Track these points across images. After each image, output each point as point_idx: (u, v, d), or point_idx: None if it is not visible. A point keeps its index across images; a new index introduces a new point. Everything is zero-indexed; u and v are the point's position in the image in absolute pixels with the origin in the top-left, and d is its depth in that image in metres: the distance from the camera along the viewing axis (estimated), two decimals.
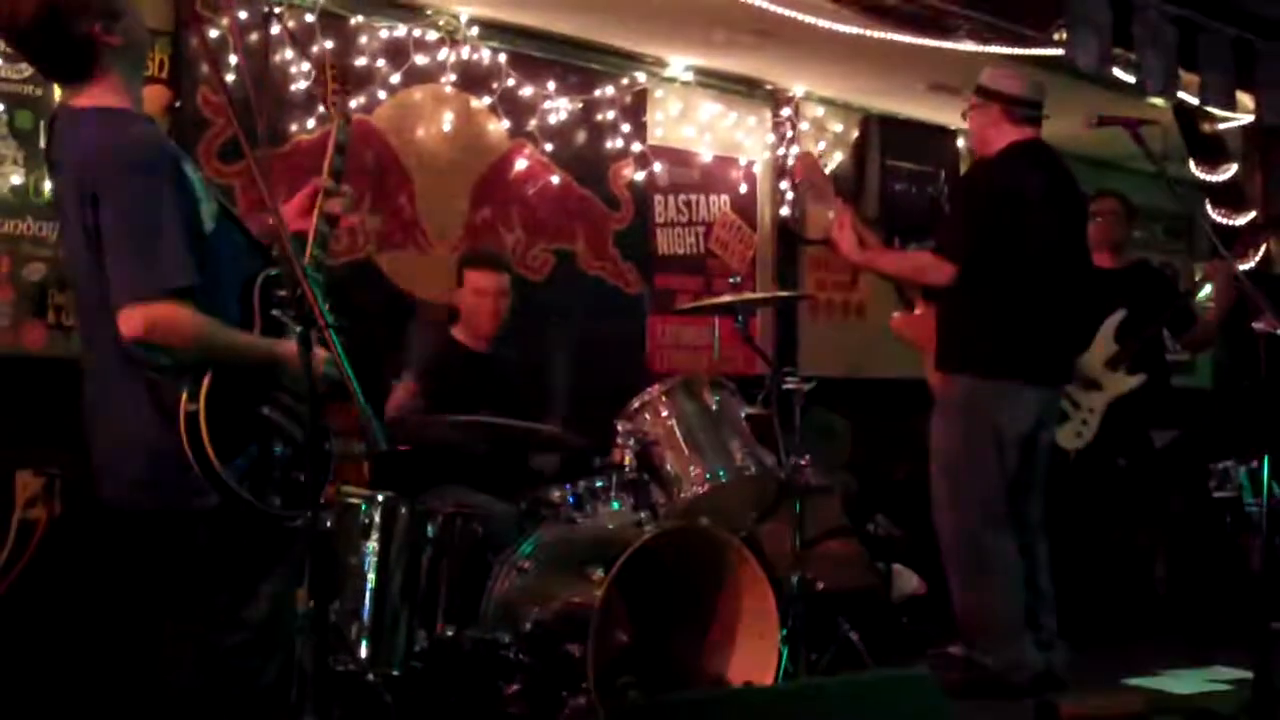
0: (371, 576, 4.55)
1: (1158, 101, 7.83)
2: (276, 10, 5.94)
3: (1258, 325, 5.07)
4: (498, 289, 5.76)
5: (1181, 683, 5.79)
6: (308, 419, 3.23)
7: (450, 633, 4.59)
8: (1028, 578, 5.56)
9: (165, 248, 3.20)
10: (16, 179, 5.35)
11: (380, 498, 4.59)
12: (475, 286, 5.76)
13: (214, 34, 5.77)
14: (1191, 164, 8.58)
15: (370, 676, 4.44)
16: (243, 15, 5.86)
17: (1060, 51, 7.20)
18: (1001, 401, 5.45)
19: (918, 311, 5.72)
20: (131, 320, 3.17)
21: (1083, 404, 6.80)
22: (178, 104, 5.71)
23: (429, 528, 4.67)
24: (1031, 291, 5.44)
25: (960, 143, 8.44)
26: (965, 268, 5.36)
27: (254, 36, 5.92)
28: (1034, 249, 5.42)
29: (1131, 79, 7.53)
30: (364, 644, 4.49)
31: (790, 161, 7.96)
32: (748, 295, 6.30)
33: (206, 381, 3.23)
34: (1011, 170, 5.52)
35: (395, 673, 4.47)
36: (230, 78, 5.57)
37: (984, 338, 5.47)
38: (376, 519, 4.59)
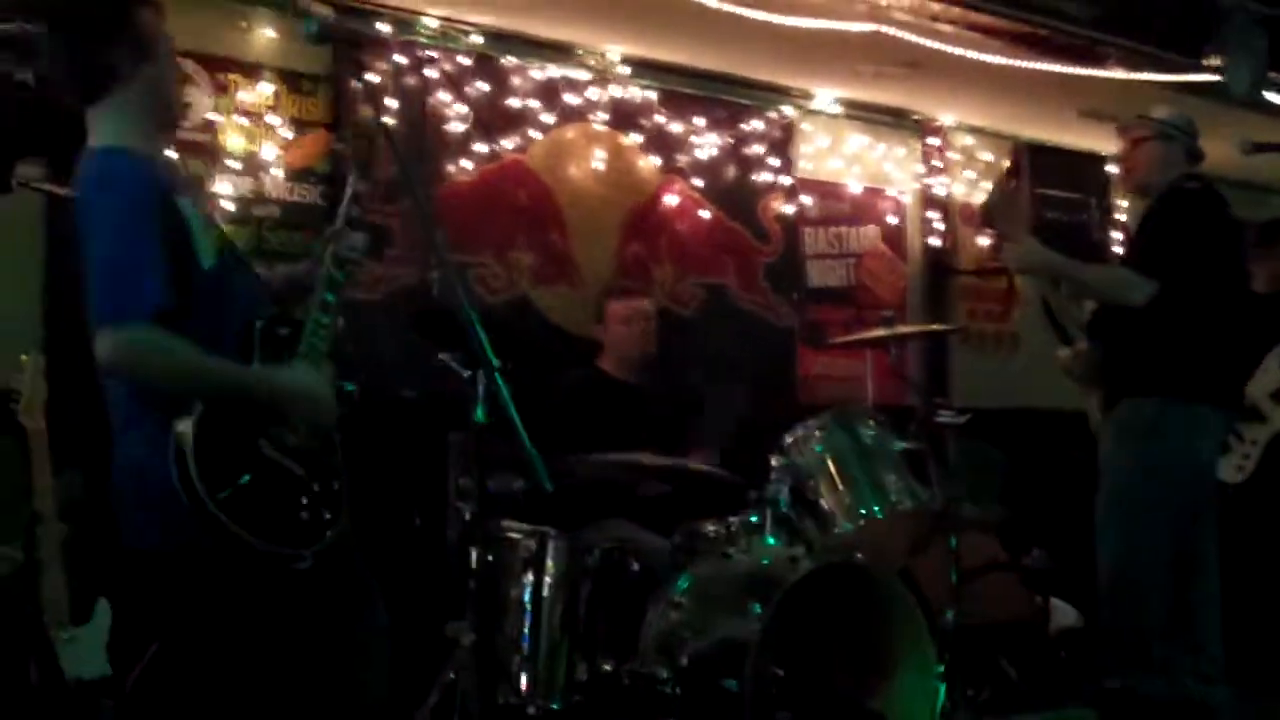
0: (531, 610, 4.63)
1: None
2: (433, 54, 6.08)
3: None
4: (641, 314, 5.85)
5: None
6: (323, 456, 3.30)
7: (609, 667, 4.64)
8: (1195, 608, 5.48)
9: (138, 274, 3.18)
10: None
11: (540, 532, 4.66)
12: (619, 315, 5.84)
13: (373, 79, 5.92)
14: None
15: (531, 710, 4.51)
16: (400, 59, 6.01)
17: (1213, 77, 7.11)
18: (1193, 425, 5.40)
19: (1080, 347, 5.66)
20: (103, 345, 3.15)
21: (1246, 436, 6.67)
22: (338, 147, 5.87)
23: (587, 561, 4.74)
24: (1220, 316, 5.42)
25: (1110, 169, 8.34)
26: (1164, 288, 5.33)
27: (411, 80, 6.06)
28: (1228, 275, 5.43)
29: None
30: (524, 677, 4.56)
31: (938, 190, 7.95)
32: (900, 329, 6.28)
33: (199, 411, 3.20)
34: (1218, 199, 5.53)
35: (556, 706, 4.53)
36: (389, 120, 5.72)
37: (1178, 360, 5.41)
38: (536, 552, 4.67)
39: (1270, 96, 7.35)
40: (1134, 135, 5.69)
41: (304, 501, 3.38)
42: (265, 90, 5.75)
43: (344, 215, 3.74)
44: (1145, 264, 5.38)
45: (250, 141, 5.73)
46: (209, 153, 5.60)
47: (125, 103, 3.33)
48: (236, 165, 5.67)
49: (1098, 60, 6.96)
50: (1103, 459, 5.48)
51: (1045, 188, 8.13)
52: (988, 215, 8.02)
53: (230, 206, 5.62)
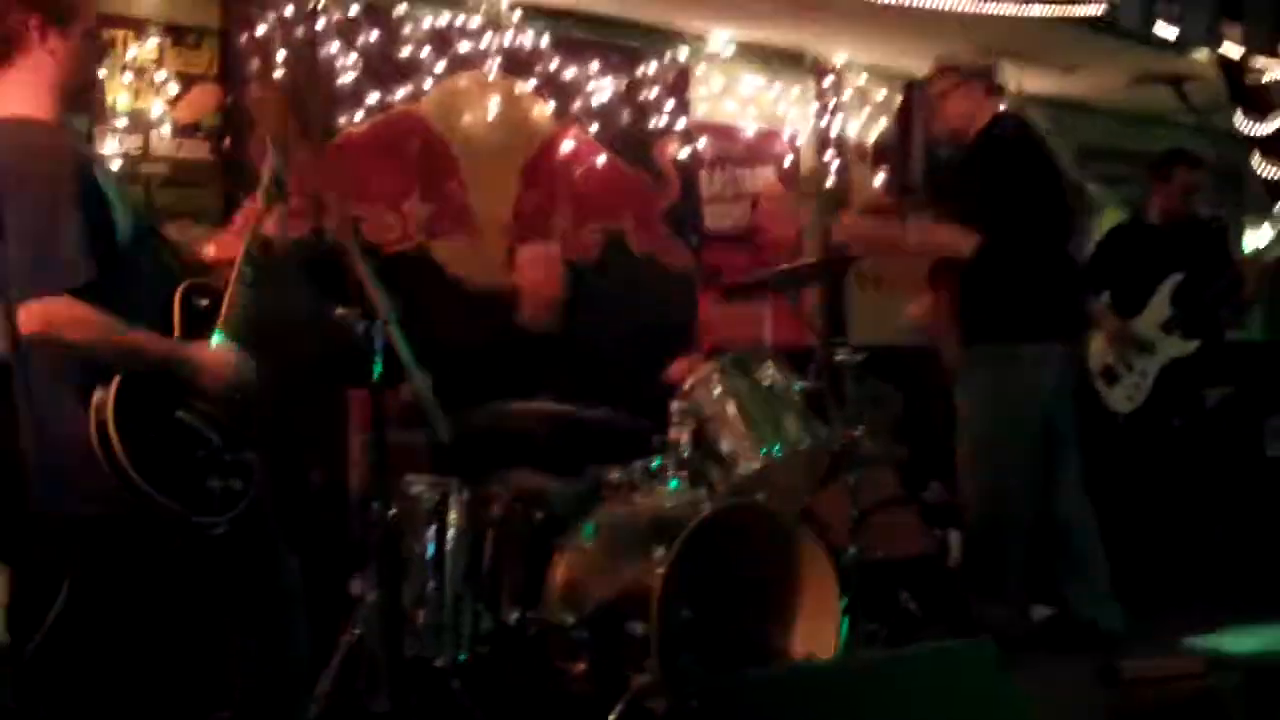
0: (435, 563, 4.64)
1: (1201, 54, 7.79)
2: (321, 4, 6.00)
3: None
4: (549, 256, 5.82)
5: (1242, 642, 5.79)
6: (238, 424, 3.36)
7: (515, 616, 4.67)
8: (1067, 532, 5.65)
9: (56, 246, 3.22)
10: None
11: (442, 484, 4.66)
12: (528, 258, 5.81)
13: (260, 30, 5.84)
14: (1237, 115, 8.53)
15: (438, 662, 4.53)
16: (288, 11, 5.93)
17: (1101, 9, 7.18)
18: (1040, 362, 5.55)
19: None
20: (29, 316, 3.15)
21: (1136, 366, 6.82)
22: (228, 101, 5.79)
23: (491, 512, 4.75)
24: (1049, 256, 5.57)
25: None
26: (992, 238, 5.45)
27: (299, 31, 5.98)
28: (1055, 213, 5.62)
29: (1173, 34, 7.50)
30: (429, 630, 4.58)
31: (835, 131, 7.98)
32: (793, 265, 6.35)
33: (117, 381, 3.24)
34: (1030, 140, 5.66)
35: (462, 657, 4.55)
36: (278, 74, 5.65)
37: (1020, 302, 5.56)
38: (438, 505, 4.68)
39: (1159, 29, 7.44)
40: (938, 89, 5.77)
41: (219, 470, 3.44)
42: (151, 45, 5.65)
43: (264, 192, 3.78)
44: (968, 217, 5.51)
45: (136, 98, 5.63)
46: (94, 110, 5.50)
47: (34, 72, 3.30)
48: (122, 123, 5.58)
49: None
50: (959, 403, 5.63)
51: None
52: (882, 153, 8.11)
53: (117, 165, 5.53)
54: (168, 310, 3.49)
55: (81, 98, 3.48)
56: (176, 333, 3.47)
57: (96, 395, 3.22)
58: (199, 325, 3.53)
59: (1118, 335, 6.86)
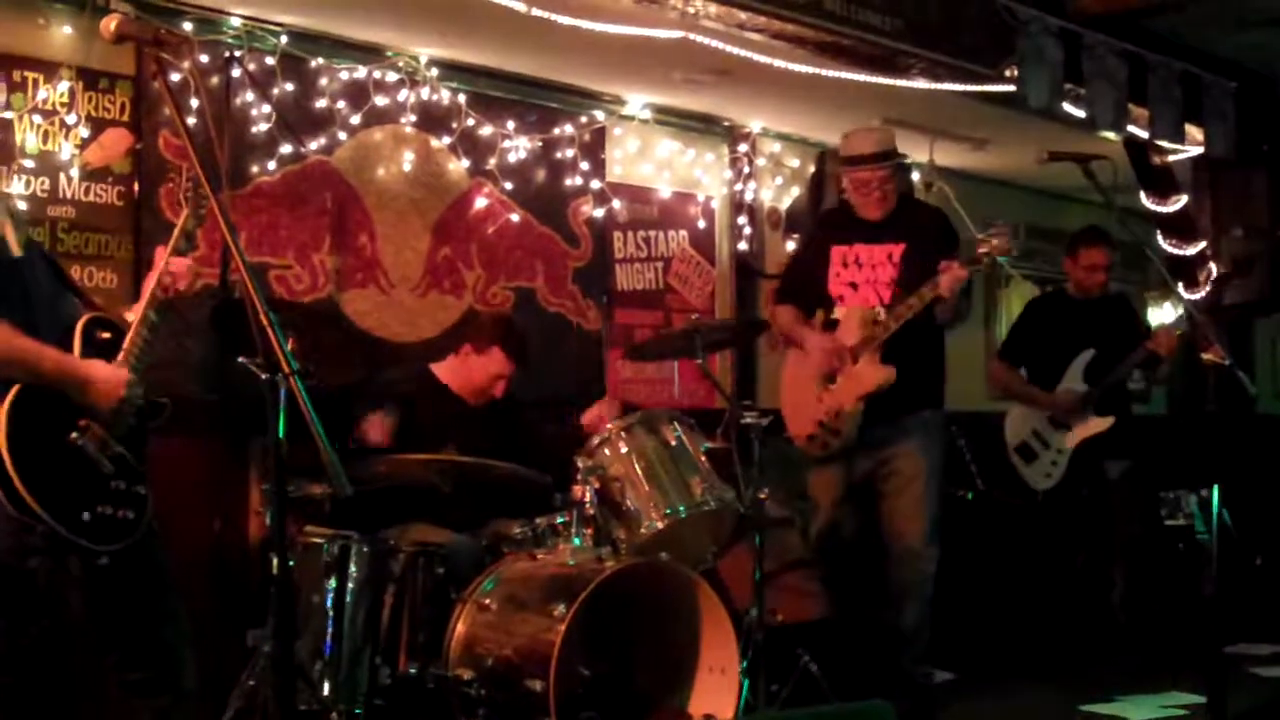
0: (333, 615, 4.59)
1: (1109, 135, 7.96)
2: (237, 54, 5.99)
3: (1206, 356, 5.16)
4: (510, 375, 5.71)
5: (1137, 709, 5.87)
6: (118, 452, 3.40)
7: (413, 670, 4.63)
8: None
9: None
10: None
11: (342, 536, 4.63)
12: (499, 371, 5.65)
13: (175, 77, 5.81)
14: (1142, 195, 8.71)
15: (333, 715, 4.48)
16: (204, 58, 5.90)
17: (1011, 88, 7.32)
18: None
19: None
20: None
21: (1052, 444, 6.90)
22: (139, 147, 5.75)
23: (391, 565, 4.72)
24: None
25: (915, 176, 8.53)
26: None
27: (215, 79, 5.96)
28: None
29: (1082, 114, 7.66)
30: (326, 682, 4.53)
31: (749, 197, 8.05)
32: (705, 321, 6.39)
33: (10, 397, 3.24)
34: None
35: (358, 711, 4.51)
36: (191, 120, 5.61)
37: (939, 374, 5.72)
38: (338, 557, 4.64)
39: (1067, 107, 7.59)
40: (882, 173, 5.87)
41: (109, 498, 3.44)
42: (63, 88, 5.61)
43: (174, 240, 3.79)
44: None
45: (46, 140, 5.58)
46: (3, 150, 5.45)
47: None
48: (31, 164, 5.53)
49: (901, 70, 7.11)
50: (902, 466, 5.70)
51: None
52: (794, 220, 8.19)
53: (24, 206, 5.46)
54: (70, 335, 3.48)
55: None
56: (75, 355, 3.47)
57: None
58: (98, 355, 3.53)
59: (1057, 407, 6.92)
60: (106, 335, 3.54)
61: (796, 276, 6.11)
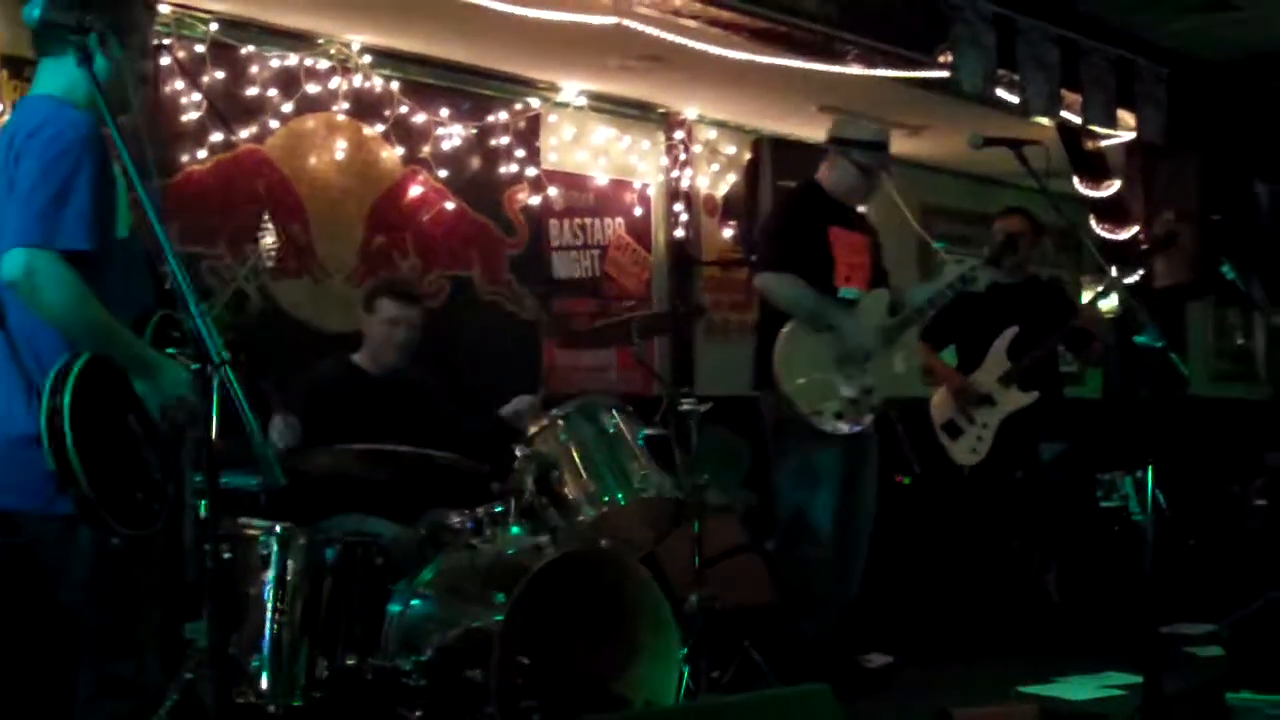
0: (271, 607, 4.54)
1: (1042, 120, 8.01)
2: (166, 41, 5.91)
3: (1140, 339, 5.20)
4: (410, 320, 5.72)
5: (1074, 690, 5.91)
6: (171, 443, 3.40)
7: (351, 661, 4.59)
8: None
9: (72, 209, 3.26)
10: None
11: (278, 528, 4.58)
12: (389, 315, 5.67)
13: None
14: (1076, 180, 8.78)
15: (271, 708, 4.43)
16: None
17: (946, 74, 7.35)
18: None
19: None
20: (14, 260, 3.21)
21: (977, 420, 6.95)
22: None
23: (328, 557, 4.67)
24: None
25: None
26: None
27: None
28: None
29: (1015, 99, 7.70)
30: (264, 676, 4.48)
31: (685, 184, 8.04)
32: (641, 312, 6.37)
33: (76, 370, 3.21)
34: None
35: (296, 703, 4.46)
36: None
37: None
38: (275, 550, 4.58)
39: (1000, 92, 7.63)
40: (886, 162, 5.92)
41: (143, 486, 3.39)
42: None
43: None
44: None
45: None
46: None
47: (79, 70, 3.31)
48: None
49: (836, 56, 7.13)
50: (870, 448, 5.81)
51: (786, 180, 8.26)
52: (730, 207, 8.19)
53: None
54: (144, 325, 3.51)
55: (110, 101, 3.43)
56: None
57: (51, 380, 3.18)
58: (165, 348, 3.54)
59: (960, 390, 6.98)
60: (176, 335, 3.53)
61: (788, 251, 5.94)
